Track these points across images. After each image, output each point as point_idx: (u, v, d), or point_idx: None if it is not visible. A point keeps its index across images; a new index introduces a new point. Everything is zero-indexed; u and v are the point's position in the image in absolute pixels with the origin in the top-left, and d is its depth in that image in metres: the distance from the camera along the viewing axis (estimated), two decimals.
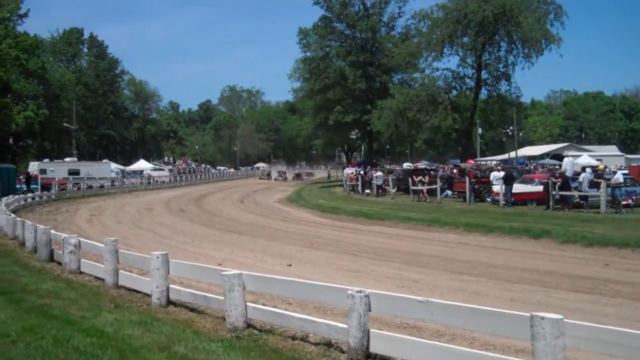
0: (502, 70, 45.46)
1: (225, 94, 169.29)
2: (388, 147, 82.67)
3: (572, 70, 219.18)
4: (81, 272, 12.65)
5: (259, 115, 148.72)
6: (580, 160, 65.94)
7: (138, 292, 10.49)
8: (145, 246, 17.96)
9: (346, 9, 63.29)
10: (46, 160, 62.60)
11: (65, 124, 78.79)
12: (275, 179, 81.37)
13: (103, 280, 11.52)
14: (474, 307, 6.04)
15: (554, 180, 28.33)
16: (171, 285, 9.50)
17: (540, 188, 30.78)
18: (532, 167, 49.44)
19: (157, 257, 9.25)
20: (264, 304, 8.68)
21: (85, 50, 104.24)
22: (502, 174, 34.22)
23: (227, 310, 7.67)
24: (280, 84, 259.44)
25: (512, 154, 76.92)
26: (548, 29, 42.25)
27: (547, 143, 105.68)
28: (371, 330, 6.60)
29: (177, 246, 19.50)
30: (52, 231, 14.94)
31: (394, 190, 42.11)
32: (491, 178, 33.99)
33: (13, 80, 53.93)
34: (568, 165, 29.73)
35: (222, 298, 8.04)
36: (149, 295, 9.95)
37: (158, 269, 9.20)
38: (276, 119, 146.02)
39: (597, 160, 64.24)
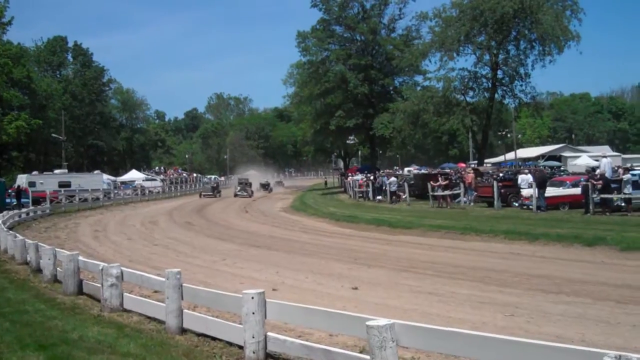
0: (519, 69, 43.73)
1: (213, 102, 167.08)
2: (391, 152, 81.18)
3: (555, 72, 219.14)
4: (125, 310, 10.36)
5: (247, 122, 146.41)
6: (579, 161, 64.97)
7: (214, 339, 8.29)
8: (172, 267, 15.67)
9: (345, 11, 61.39)
10: (35, 172, 60.15)
11: (53, 135, 76.00)
12: (237, 194, 58.74)
13: (160, 322, 9.30)
14: None
15: (594, 183, 26.54)
16: (270, 334, 7.28)
17: (573, 191, 29.14)
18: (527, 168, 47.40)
19: (252, 297, 7.04)
20: None
21: (71, 59, 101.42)
22: (529, 176, 32.51)
23: None
24: (267, 91, 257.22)
25: (508, 156, 75.80)
26: (566, 26, 40.57)
27: (536, 145, 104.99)
28: None
29: (209, 266, 17.47)
30: (81, 258, 12.58)
31: (404, 196, 40.39)
32: (519, 181, 32.15)
33: (1, 89, 51.38)
34: (607, 166, 27.92)
35: (360, 356, 5.95)
36: (232, 345, 7.81)
37: (254, 313, 7.01)
38: (265, 126, 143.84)
39: (596, 160, 63.28)
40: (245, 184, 62.05)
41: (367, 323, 5.59)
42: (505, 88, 45.42)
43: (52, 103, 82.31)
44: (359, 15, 61.75)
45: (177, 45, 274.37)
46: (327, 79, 60.35)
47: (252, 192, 60.97)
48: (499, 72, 44.50)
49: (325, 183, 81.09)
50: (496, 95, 45.43)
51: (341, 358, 6.33)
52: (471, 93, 46.02)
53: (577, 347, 4.67)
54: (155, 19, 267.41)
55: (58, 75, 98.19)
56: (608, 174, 27.46)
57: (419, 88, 55.59)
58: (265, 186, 72.04)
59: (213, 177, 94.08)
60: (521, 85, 44.78)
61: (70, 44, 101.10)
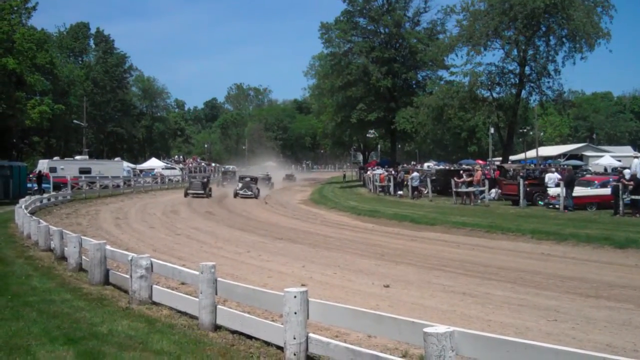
0: (547, 65, 42.91)
1: (233, 92, 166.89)
2: (409, 147, 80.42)
3: (577, 71, 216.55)
4: (154, 303, 10.01)
5: (267, 113, 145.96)
6: (602, 160, 64.14)
7: (250, 337, 7.93)
8: (197, 258, 15.65)
9: (369, 3, 60.65)
10: (56, 158, 60.49)
11: (74, 121, 76.06)
12: (238, 194, 45.64)
13: (192, 317, 8.94)
14: None
15: (625, 183, 25.96)
16: (312, 335, 6.88)
17: (602, 191, 28.67)
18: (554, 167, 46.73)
19: (295, 297, 6.65)
20: None
21: (93, 45, 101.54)
22: (556, 175, 32.01)
23: None
24: (287, 82, 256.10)
25: (529, 154, 74.90)
26: (597, 23, 39.77)
27: (557, 143, 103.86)
28: None
29: (234, 258, 17.17)
30: (108, 247, 12.27)
31: (426, 192, 39.99)
32: (546, 180, 31.59)
33: (26, 74, 51.32)
34: (638, 167, 27.21)
35: None
36: (269, 345, 7.44)
37: (296, 313, 6.64)
38: (284, 117, 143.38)
39: (618, 160, 62.40)
40: (250, 181, 48.24)
41: (425, 330, 5.21)
42: (532, 84, 44.67)
43: (74, 89, 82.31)
44: (384, 8, 60.99)
45: (198, 34, 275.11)
46: (350, 71, 59.71)
47: (258, 190, 46.84)
48: (527, 68, 43.77)
49: (344, 176, 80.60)
50: (523, 92, 44.71)
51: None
52: (498, 89, 45.29)
53: None
54: (176, 7, 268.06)
55: (80, 62, 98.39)
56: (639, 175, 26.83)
57: (442, 83, 54.90)
58: (290, 177, 76.00)
59: (230, 167, 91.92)
60: (548, 82, 44.05)
61: (93, 31, 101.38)
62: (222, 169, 76.60)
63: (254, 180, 49.20)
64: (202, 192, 45.05)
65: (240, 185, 47.41)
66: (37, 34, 60.06)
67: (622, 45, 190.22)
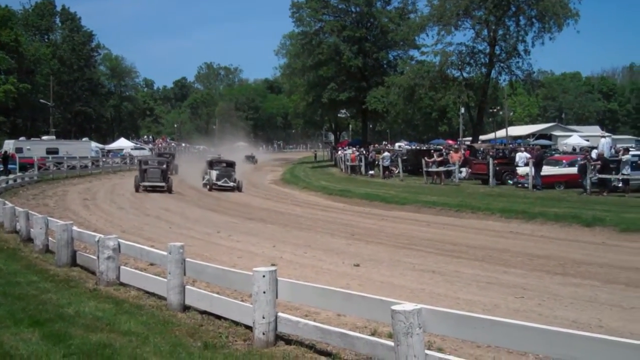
0: (517, 45, 43.16)
1: (202, 71, 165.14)
2: (381, 127, 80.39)
3: (547, 51, 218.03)
4: (122, 284, 9.90)
5: (237, 93, 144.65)
6: (570, 140, 64.99)
7: (219, 318, 7.88)
8: (166, 238, 15.45)
9: None
10: (22, 138, 59.14)
11: (41, 100, 74.70)
12: (214, 187, 34.50)
13: (160, 297, 8.86)
14: None
15: (593, 163, 26.32)
16: (282, 315, 6.89)
17: (570, 170, 28.96)
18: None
19: (264, 276, 6.61)
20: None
21: (59, 23, 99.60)
22: (526, 154, 32.35)
23: None
24: (258, 61, 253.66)
25: (499, 134, 75.54)
26: (567, 3, 40.02)
27: (526, 123, 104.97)
28: None
29: (204, 239, 17.08)
30: (75, 228, 12.09)
31: (397, 171, 40.11)
32: (517, 159, 31.90)
33: None
34: (605, 146, 27.63)
35: (383, 341, 5.58)
36: (238, 325, 7.39)
37: (265, 292, 6.59)
38: (255, 97, 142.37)
39: (586, 140, 63.28)
40: (228, 167, 36.77)
41: (393, 308, 5.20)
42: (502, 64, 44.91)
43: (40, 68, 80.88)
44: None
45: (167, 12, 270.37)
46: (321, 50, 59.34)
47: (239, 182, 35.51)
48: (497, 48, 43.94)
49: (315, 156, 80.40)
50: (493, 72, 44.98)
51: (361, 343, 5.93)
52: (468, 68, 45.45)
53: (626, 340, 4.31)
54: None
55: (46, 40, 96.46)
56: (606, 154, 27.21)
57: (413, 62, 54.92)
58: (251, 158, 68.43)
59: (201, 147, 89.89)
60: (517, 62, 44.34)
61: (59, 8, 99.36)
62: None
63: (231, 165, 37.44)
64: (161, 184, 32.97)
65: (214, 173, 35.14)
66: (0, 11, 58.75)
67: (591, 26, 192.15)
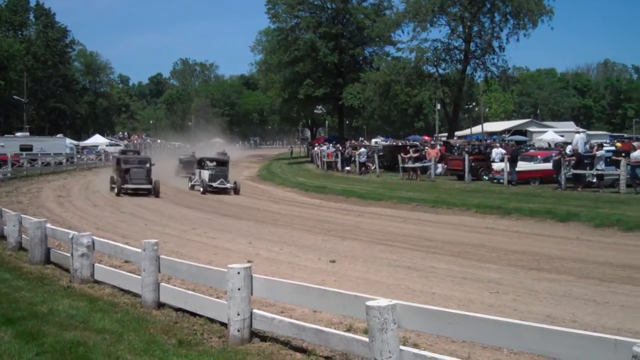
0: (492, 42, 43.51)
1: (178, 67, 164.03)
2: (357, 123, 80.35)
3: (522, 47, 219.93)
4: (96, 282, 9.81)
5: (213, 89, 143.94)
6: (545, 136, 65.53)
7: (194, 315, 7.85)
8: (141, 235, 15.31)
9: None
10: None
11: (14, 96, 73.69)
12: (209, 189, 31.14)
13: (135, 295, 8.79)
14: None
15: (567, 158, 26.58)
16: (257, 311, 6.87)
17: (544, 165, 29.18)
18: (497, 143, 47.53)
19: (238, 272, 6.57)
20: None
21: (33, 19, 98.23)
22: (501, 150, 32.57)
23: (375, 358, 5.17)
24: (234, 57, 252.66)
25: (475, 130, 75.93)
26: (540, 0, 40.36)
27: (502, 119, 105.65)
28: None
29: (179, 235, 17.00)
30: (49, 225, 11.95)
31: (373, 167, 40.21)
32: (493, 155, 32.12)
33: None
34: (580, 142, 27.91)
35: (357, 337, 5.58)
36: (213, 322, 7.36)
37: (239, 289, 6.56)
38: (231, 93, 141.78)
39: (561, 136, 63.87)
40: (222, 166, 33.52)
41: (367, 303, 5.21)
42: (477, 61, 45.25)
43: (14, 64, 79.59)
44: None
45: (142, 8, 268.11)
46: (297, 46, 59.27)
47: (237, 183, 32.35)
48: (472, 44, 44.26)
49: (291, 152, 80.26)
50: (468, 68, 45.29)
51: (336, 339, 5.94)
52: (443, 65, 45.83)
53: (599, 335, 4.37)
54: None
55: (20, 36, 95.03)
56: (581, 150, 27.49)
57: (389, 59, 55.10)
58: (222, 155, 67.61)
59: (177, 144, 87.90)
60: (493, 59, 44.71)
61: (32, 4, 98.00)
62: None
63: (225, 164, 34.33)
64: (147, 186, 29.24)
65: (206, 173, 31.76)
66: None
67: (566, 23, 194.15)
